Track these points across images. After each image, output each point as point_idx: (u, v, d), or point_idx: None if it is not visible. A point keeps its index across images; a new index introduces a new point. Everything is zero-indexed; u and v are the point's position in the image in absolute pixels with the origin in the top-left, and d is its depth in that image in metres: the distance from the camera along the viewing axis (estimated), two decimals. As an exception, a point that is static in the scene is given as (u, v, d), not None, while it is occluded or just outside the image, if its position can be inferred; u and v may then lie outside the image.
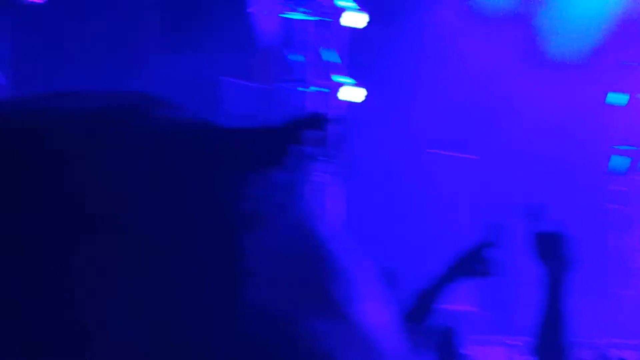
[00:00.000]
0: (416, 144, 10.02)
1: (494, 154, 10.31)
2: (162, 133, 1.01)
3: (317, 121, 0.98)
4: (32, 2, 8.57)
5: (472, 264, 3.64)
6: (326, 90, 9.91)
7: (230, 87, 9.08)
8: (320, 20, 10.03)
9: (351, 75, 10.07)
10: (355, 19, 10.08)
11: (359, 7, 10.04)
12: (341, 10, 10.01)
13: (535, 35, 10.46)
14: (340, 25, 9.95)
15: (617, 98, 10.63)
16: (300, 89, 9.65)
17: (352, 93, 10.13)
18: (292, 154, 0.97)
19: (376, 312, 0.91)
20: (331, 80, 9.96)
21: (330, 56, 10.00)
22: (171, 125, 1.02)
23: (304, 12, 9.94)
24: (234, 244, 0.93)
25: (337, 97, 9.88)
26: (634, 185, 10.41)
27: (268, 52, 9.76)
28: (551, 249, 3.43)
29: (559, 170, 10.61)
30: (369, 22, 10.07)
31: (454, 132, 10.32)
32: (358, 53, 10.12)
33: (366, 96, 10.05)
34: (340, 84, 9.98)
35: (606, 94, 10.61)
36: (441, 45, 10.32)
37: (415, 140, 9.93)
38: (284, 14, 9.90)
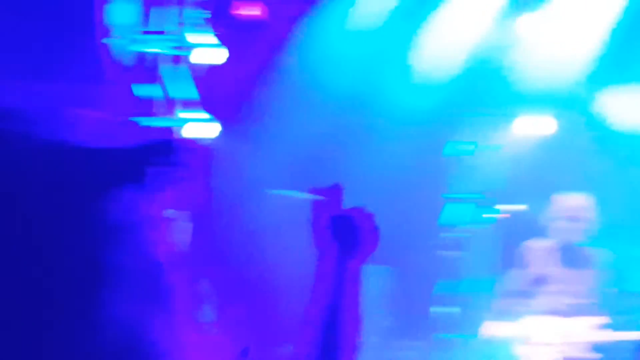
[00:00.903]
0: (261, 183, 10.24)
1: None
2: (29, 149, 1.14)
3: (169, 147, 1.12)
4: None
5: None
6: (178, 124, 10.01)
7: (77, 117, 9.13)
8: (176, 54, 10.16)
9: (206, 110, 10.17)
10: (211, 55, 10.15)
11: (219, 43, 10.13)
12: (197, 45, 10.09)
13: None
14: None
15: (458, 148, 11.07)
16: (150, 122, 9.74)
17: (205, 128, 10.19)
18: (148, 175, 1.10)
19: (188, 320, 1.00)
20: (184, 114, 10.06)
21: (184, 91, 10.12)
22: (35, 142, 1.15)
23: (158, 45, 10.05)
24: (96, 257, 1.05)
25: (189, 131, 9.95)
26: (467, 233, 10.81)
27: (118, 83, 9.86)
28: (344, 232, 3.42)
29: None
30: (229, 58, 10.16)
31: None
32: (215, 88, 10.31)
33: (220, 132, 10.15)
34: (193, 119, 10.07)
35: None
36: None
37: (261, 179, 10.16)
38: (137, 46, 10.01)
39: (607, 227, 10.33)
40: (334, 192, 3.53)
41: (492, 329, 9.21)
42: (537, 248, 9.33)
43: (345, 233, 3.41)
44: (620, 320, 9.78)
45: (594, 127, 11.15)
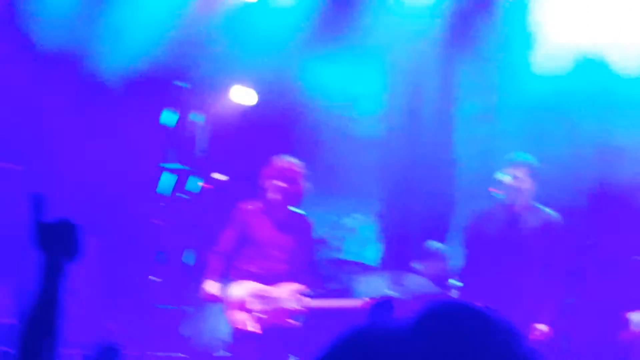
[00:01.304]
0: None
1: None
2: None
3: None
4: None
5: None
6: None
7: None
8: None
9: None
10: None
11: None
12: None
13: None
14: None
15: (168, 118, 11.12)
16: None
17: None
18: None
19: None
20: None
21: None
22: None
23: None
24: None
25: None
26: (179, 202, 10.89)
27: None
28: (52, 239, 3.54)
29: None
30: None
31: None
32: None
33: None
34: None
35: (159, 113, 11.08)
36: None
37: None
38: None
39: (318, 193, 10.73)
40: (36, 201, 3.63)
41: (205, 293, 9.20)
42: (247, 210, 9.37)
43: (48, 241, 3.55)
44: (329, 287, 10.12)
45: (298, 97, 11.53)
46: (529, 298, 9.11)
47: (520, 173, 9.27)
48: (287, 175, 9.41)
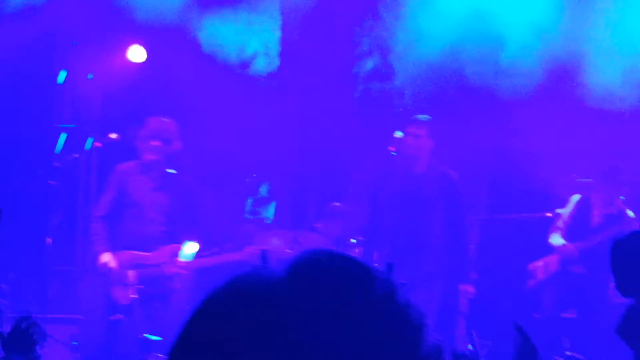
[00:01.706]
0: None
1: None
2: None
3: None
4: None
5: None
6: None
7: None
8: None
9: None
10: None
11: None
12: None
13: None
14: None
15: (61, 76, 10.92)
16: None
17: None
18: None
19: None
20: None
21: None
22: None
23: None
24: None
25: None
26: (73, 162, 10.71)
27: None
28: None
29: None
30: None
31: None
32: None
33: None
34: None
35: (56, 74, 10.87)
36: None
37: None
38: None
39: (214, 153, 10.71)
40: None
41: (98, 262, 9.14)
42: (123, 171, 9.28)
43: None
44: (226, 247, 10.10)
45: (192, 54, 11.41)
46: (432, 253, 9.28)
47: (421, 132, 9.40)
48: (162, 135, 9.34)
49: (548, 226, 10.27)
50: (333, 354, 1.29)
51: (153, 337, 9.17)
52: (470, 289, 9.31)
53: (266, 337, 1.29)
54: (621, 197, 9.83)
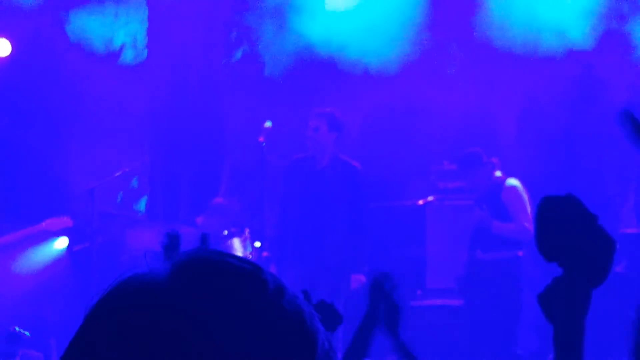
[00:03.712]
0: None
1: None
2: None
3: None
4: None
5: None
6: None
7: None
8: None
9: None
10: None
11: None
12: None
13: None
14: None
15: None
16: None
17: None
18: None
19: None
20: None
21: None
22: None
23: None
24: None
25: None
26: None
27: None
28: None
29: None
30: None
31: None
32: None
33: None
34: None
35: None
36: None
37: None
38: None
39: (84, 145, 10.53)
40: None
41: None
42: None
43: None
44: (97, 241, 10.00)
45: (60, 47, 11.25)
46: (336, 245, 9.26)
47: (321, 125, 9.36)
48: None
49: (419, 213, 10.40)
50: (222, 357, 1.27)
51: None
52: (362, 278, 9.27)
53: (154, 343, 1.27)
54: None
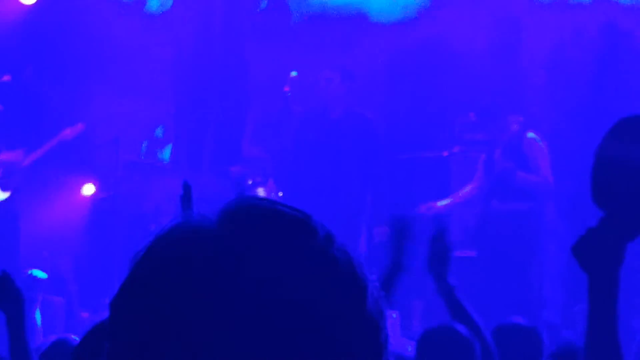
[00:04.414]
0: None
1: None
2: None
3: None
4: None
5: None
6: None
7: None
8: None
9: None
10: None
11: None
12: None
13: None
14: None
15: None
16: None
17: None
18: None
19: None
20: None
21: None
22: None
23: None
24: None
25: None
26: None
27: None
28: None
29: None
30: None
31: None
32: None
33: None
34: None
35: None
36: None
37: None
38: None
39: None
40: None
41: None
42: None
43: None
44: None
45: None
46: (352, 196, 9.26)
47: (334, 75, 9.35)
48: None
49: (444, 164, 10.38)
50: (273, 305, 1.27)
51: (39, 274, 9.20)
52: (385, 230, 9.28)
53: (205, 289, 1.27)
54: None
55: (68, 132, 9.94)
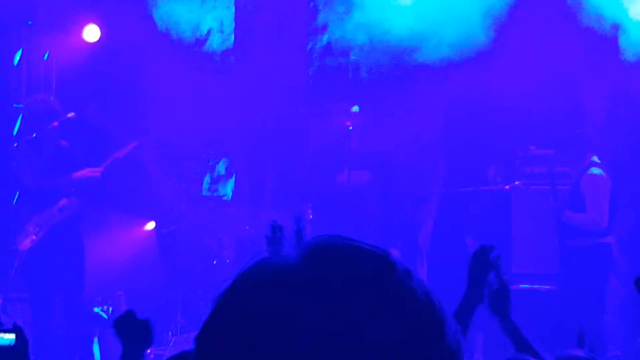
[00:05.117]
0: None
1: None
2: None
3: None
4: None
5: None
6: None
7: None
8: None
9: None
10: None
11: None
12: None
13: None
14: None
15: (17, 57, 10.83)
16: None
17: None
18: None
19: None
20: None
21: None
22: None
23: None
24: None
25: None
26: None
27: None
28: None
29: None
30: None
31: None
32: None
33: None
34: None
35: None
36: None
37: None
38: None
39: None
40: None
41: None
42: None
43: None
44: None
45: (148, 33, 11.36)
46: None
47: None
48: None
49: (505, 198, 10.34)
50: (358, 339, 1.29)
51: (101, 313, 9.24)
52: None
53: (287, 325, 1.30)
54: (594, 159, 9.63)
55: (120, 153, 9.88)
